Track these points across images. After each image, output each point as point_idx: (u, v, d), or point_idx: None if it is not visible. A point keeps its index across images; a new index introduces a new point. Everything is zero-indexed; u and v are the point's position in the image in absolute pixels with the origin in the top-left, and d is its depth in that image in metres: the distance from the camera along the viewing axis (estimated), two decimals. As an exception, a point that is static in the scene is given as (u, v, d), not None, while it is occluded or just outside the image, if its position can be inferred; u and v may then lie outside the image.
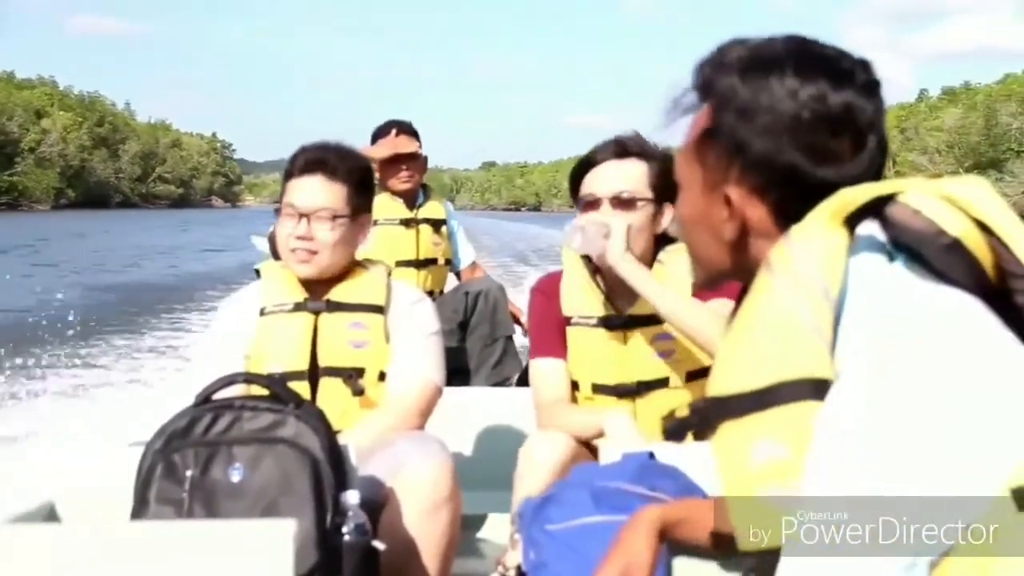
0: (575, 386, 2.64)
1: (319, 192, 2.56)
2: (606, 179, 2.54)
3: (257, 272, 2.71)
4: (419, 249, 4.58)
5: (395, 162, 4.60)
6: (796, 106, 1.12)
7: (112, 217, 70.89)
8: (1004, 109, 60.39)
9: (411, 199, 4.64)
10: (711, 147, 1.18)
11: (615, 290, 2.61)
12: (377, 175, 4.49)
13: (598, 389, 2.60)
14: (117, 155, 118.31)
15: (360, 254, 2.71)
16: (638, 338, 2.58)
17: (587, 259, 2.66)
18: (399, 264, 4.41)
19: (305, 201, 2.55)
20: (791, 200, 1.13)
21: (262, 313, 2.60)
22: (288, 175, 2.61)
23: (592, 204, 2.54)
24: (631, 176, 2.53)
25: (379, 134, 4.66)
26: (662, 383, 2.58)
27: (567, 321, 2.64)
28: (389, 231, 4.50)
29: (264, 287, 2.65)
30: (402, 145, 4.60)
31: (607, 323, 2.60)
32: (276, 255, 2.81)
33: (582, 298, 2.64)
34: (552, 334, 2.65)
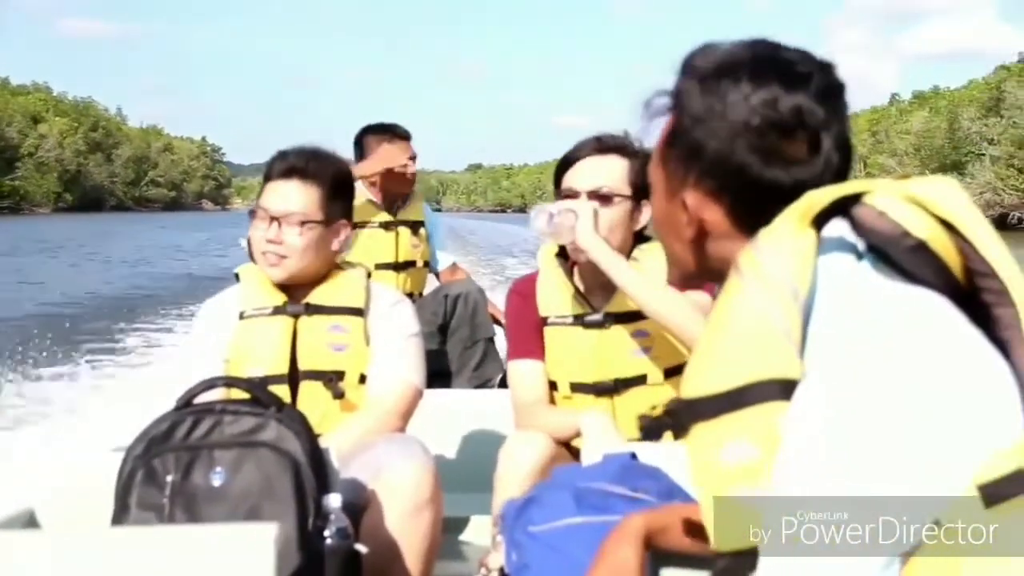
0: (553, 386, 2.63)
1: (292, 197, 2.55)
2: (585, 174, 2.54)
3: (236, 276, 2.69)
4: (398, 252, 4.56)
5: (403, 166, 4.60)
6: (747, 110, 1.14)
7: (113, 220, 73.22)
8: (965, 113, 62.23)
9: (393, 202, 4.62)
10: (671, 152, 1.22)
11: (591, 288, 2.61)
12: (376, 180, 4.48)
13: (576, 388, 2.59)
14: (111, 159, 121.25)
15: (349, 257, 2.70)
16: (615, 335, 2.58)
17: (563, 258, 2.65)
18: (379, 267, 4.40)
19: (277, 205, 2.55)
20: (745, 202, 1.16)
21: (241, 317, 2.59)
22: (266, 178, 2.61)
23: (570, 198, 2.54)
24: (610, 172, 2.54)
25: (370, 138, 4.58)
26: (640, 380, 2.57)
27: (544, 321, 2.63)
28: (369, 234, 4.48)
29: (243, 291, 2.64)
30: (408, 150, 4.61)
31: (583, 321, 2.59)
32: (255, 259, 2.79)
33: (558, 297, 2.63)
34: (529, 335, 2.64)
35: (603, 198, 2.51)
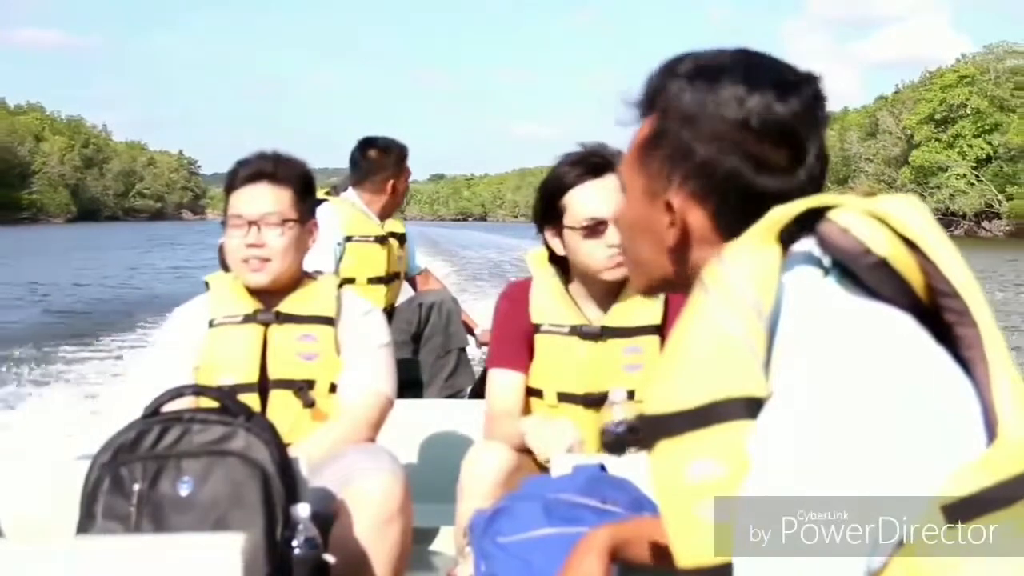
0: (538, 394, 2.62)
1: (265, 198, 2.55)
2: (603, 199, 2.48)
3: (206, 284, 2.69)
4: (389, 265, 4.54)
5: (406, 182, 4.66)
6: (742, 113, 1.13)
7: (121, 229, 78.71)
8: (850, 135, 75.33)
9: (387, 216, 4.61)
10: (655, 154, 1.19)
11: (588, 298, 2.60)
12: (387, 196, 4.51)
13: (564, 398, 2.59)
14: (103, 174, 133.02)
15: (343, 270, 2.69)
16: (610, 349, 2.57)
17: (557, 264, 2.63)
18: (371, 281, 4.40)
19: (252, 209, 2.55)
20: (732, 208, 1.15)
21: (211, 325, 2.59)
22: (230, 188, 2.61)
23: (595, 229, 2.50)
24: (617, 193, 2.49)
25: (375, 152, 4.56)
26: (629, 396, 2.50)
27: (536, 328, 2.62)
28: (364, 249, 4.44)
29: (213, 299, 2.64)
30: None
31: (580, 332, 2.58)
32: (225, 267, 2.79)
33: (553, 305, 2.62)
34: (515, 344, 2.63)
35: None
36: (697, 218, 1.17)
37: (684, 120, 1.16)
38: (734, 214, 1.14)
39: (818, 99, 1.17)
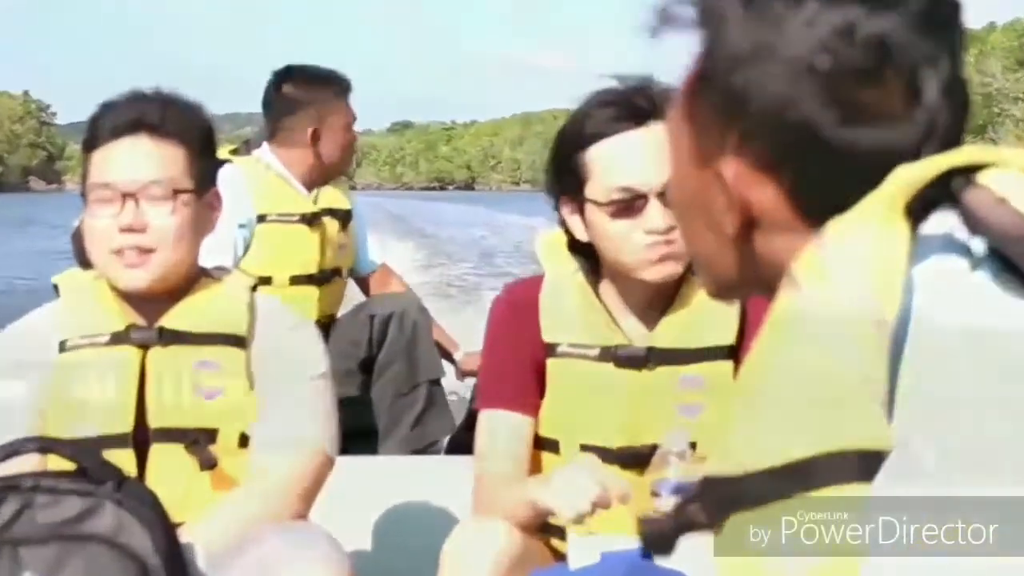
0: (553, 447, 2.63)
1: (147, 160, 2.54)
2: (643, 161, 2.46)
3: (56, 288, 2.69)
4: (324, 257, 4.50)
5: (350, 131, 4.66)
6: (812, 43, 1.12)
7: None
8: (987, 66, 76.61)
9: (319, 185, 4.57)
10: (704, 100, 1.20)
11: (628, 307, 2.60)
12: (315, 156, 4.49)
13: (592, 452, 2.57)
14: None
15: (251, 266, 2.69)
16: (658, 381, 2.57)
17: (584, 256, 2.62)
18: (296, 281, 4.38)
19: (128, 175, 2.53)
20: (810, 178, 1.15)
21: (63, 348, 2.58)
22: (91, 144, 2.59)
23: (629, 205, 2.48)
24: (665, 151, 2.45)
25: (300, 90, 4.54)
26: (691, 447, 2.47)
27: (549, 350, 2.62)
28: (284, 232, 4.42)
29: (66, 310, 2.65)
30: (350, 108, 4.66)
31: (615, 356, 2.57)
32: (84, 261, 2.78)
33: (575, 316, 2.61)
34: (517, 373, 2.63)
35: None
36: (764, 196, 1.17)
37: (737, 56, 1.16)
38: (816, 187, 1.14)
39: (939, 8, 1.16)
